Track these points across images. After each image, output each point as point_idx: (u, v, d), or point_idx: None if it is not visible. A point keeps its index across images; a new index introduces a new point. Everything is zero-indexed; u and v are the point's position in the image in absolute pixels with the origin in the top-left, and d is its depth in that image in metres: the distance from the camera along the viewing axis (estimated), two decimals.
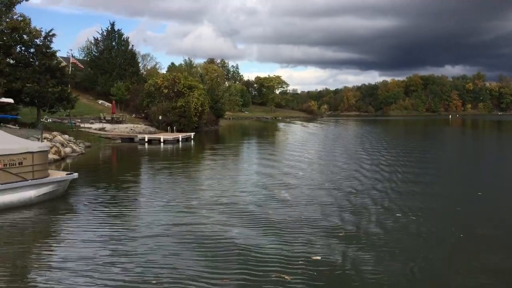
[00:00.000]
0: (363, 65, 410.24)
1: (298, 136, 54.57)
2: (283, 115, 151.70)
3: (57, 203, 14.21)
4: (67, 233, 11.25)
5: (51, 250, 9.97)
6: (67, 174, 15.00)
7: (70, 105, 37.20)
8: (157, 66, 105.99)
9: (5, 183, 12.94)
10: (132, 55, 72.69)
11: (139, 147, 37.53)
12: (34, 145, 14.29)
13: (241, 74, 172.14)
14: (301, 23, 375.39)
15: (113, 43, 70.92)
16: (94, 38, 72.29)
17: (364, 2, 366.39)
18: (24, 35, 34.09)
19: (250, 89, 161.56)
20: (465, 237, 10.98)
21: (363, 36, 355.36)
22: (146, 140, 40.39)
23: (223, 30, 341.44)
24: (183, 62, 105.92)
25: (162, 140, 40.06)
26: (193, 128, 53.85)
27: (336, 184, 18.17)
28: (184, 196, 15.81)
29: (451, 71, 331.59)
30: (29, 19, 34.58)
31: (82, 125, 44.56)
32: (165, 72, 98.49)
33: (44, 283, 8.03)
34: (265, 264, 8.85)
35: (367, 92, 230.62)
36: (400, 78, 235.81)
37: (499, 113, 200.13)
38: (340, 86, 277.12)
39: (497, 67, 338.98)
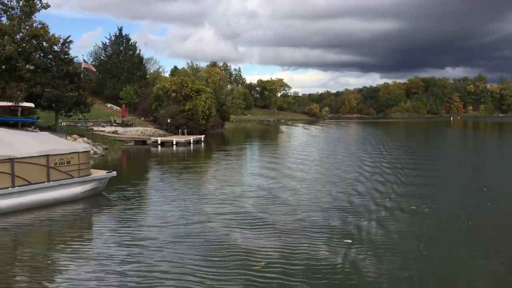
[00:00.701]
0: (364, 68, 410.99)
1: (301, 139, 55.61)
2: (285, 117, 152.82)
3: (99, 199, 15.64)
4: (112, 224, 12.70)
5: (100, 237, 11.36)
6: (107, 173, 16.40)
7: (87, 109, 38.58)
8: (160, 69, 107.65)
9: (56, 180, 14.36)
10: (140, 59, 74.30)
11: (153, 149, 38.86)
12: (79, 146, 15.75)
13: (243, 77, 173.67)
14: (302, 26, 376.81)
15: (121, 47, 72.61)
16: (102, 43, 74.17)
17: (365, 5, 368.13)
18: (43, 42, 35.45)
19: (252, 92, 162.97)
20: (474, 224, 12.29)
21: (364, 39, 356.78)
22: (159, 142, 41.76)
23: (224, 33, 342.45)
24: (186, 66, 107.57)
25: (174, 143, 41.43)
26: (200, 131, 55.16)
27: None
28: (205, 193, 17.23)
29: (452, 73, 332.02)
30: (47, 26, 36.01)
31: (94, 128, 46.01)
32: (168, 75, 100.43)
33: (96, 263, 9.41)
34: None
35: (369, 94, 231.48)
36: (401, 80, 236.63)
37: (500, 115, 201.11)
38: (341, 89, 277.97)
39: (498, 69, 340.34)
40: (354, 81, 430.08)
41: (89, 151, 16.04)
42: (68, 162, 14.75)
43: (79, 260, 9.54)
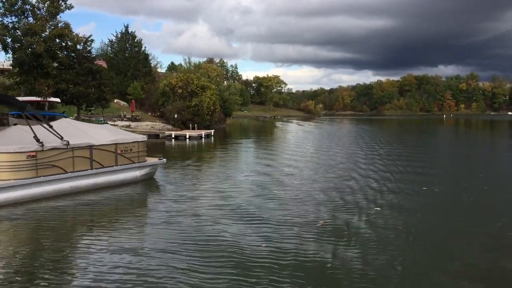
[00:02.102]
0: (358, 65, 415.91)
1: (297, 135, 58.20)
2: (281, 114, 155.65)
3: (152, 181, 18.34)
4: (165, 200, 15.27)
5: (159, 208, 13.90)
6: (158, 159, 19.06)
7: (108, 104, 41.02)
8: (158, 65, 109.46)
9: (122, 165, 17.02)
10: (145, 56, 76.61)
11: (167, 142, 41.36)
12: (139, 136, 18.42)
13: (240, 73, 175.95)
14: (296, 22, 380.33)
15: (127, 44, 74.93)
16: (108, 39, 76.61)
17: (358, 2, 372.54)
18: (68, 41, 37.81)
19: (248, 89, 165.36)
20: (473, 207, 14.86)
21: (357, 36, 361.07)
22: (173, 136, 44.31)
23: (218, 29, 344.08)
24: (182, 62, 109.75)
25: (187, 136, 43.99)
26: (205, 126, 57.59)
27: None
28: (235, 180, 19.86)
29: (444, 71, 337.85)
30: (71, 26, 38.34)
31: (108, 122, 48.43)
32: (164, 71, 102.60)
33: (157, 230, 11.82)
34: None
35: (362, 91, 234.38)
36: (394, 78, 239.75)
37: (492, 113, 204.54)
38: (334, 86, 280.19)
39: (490, 67, 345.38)
40: (348, 78, 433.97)
41: (146, 140, 18.64)
42: (131, 150, 17.42)
43: (143, 228, 12.08)
